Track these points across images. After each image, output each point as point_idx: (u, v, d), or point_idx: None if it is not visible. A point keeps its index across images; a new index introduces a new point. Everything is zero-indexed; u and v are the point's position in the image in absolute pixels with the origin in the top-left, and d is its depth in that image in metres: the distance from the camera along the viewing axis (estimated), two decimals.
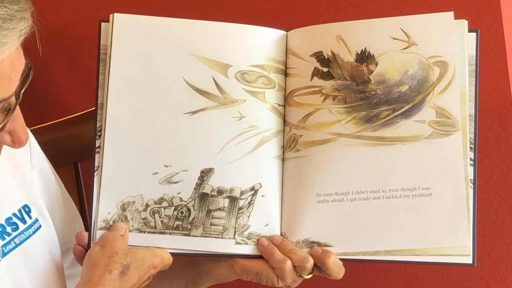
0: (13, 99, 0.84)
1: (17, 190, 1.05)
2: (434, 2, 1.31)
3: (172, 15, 1.07)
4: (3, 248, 0.98)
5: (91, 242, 1.01)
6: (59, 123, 1.45)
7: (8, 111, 0.84)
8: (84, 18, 1.60)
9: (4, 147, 0.99)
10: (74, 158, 1.45)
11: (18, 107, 0.86)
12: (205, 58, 1.04)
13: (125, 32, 1.04)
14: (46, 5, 1.59)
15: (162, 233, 1.02)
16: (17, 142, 0.87)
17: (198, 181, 1.03)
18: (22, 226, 1.02)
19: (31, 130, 1.12)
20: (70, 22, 1.62)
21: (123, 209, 1.02)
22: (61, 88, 1.66)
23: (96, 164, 1.03)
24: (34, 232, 1.04)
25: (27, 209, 1.04)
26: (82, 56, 1.63)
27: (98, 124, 1.04)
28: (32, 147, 1.11)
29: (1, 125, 0.84)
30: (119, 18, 1.04)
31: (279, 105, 1.06)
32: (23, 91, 0.86)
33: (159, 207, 1.03)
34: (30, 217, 1.04)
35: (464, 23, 1.01)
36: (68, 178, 1.40)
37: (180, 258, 1.08)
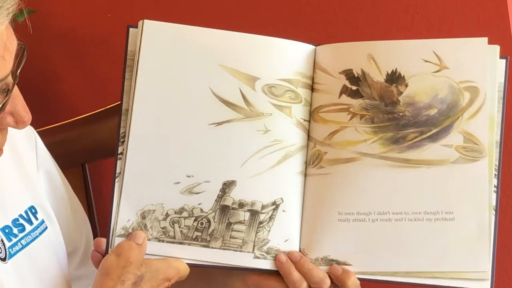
0: (10, 79, 0.85)
1: (23, 191, 1.06)
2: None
3: (196, 23, 1.08)
4: (10, 250, 0.99)
5: (109, 249, 1.01)
6: (67, 125, 1.47)
7: (7, 92, 0.85)
8: (91, 20, 1.61)
9: (10, 147, 1.01)
10: (82, 160, 1.47)
11: (16, 87, 0.87)
12: (233, 70, 1.05)
13: (154, 39, 1.04)
14: (54, 7, 1.60)
15: (181, 243, 1.02)
16: (20, 122, 0.88)
17: (220, 193, 1.03)
18: (28, 228, 1.03)
19: (38, 132, 1.14)
20: (77, 24, 1.63)
21: (143, 217, 1.02)
22: (69, 89, 1.68)
23: (117, 171, 1.03)
24: (40, 234, 1.04)
25: (33, 210, 1.05)
26: (89, 57, 1.64)
27: (121, 131, 1.04)
28: (38, 148, 1.12)
29: (1, 105, 0.85)
30: (148, 25, 1.04)
31: (305, 120, 1.06)
32: (19, 71, 0.86)
33: (179, 217, 1.03)
34: (36, 219, 1.05)
35: (497, 48, 1.02)
36: (76, 180, 1.42)
37: (195, 270, 1.08)
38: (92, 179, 1.46)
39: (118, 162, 1.03)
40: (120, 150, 1.03)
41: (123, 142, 1.03)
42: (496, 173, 1.02)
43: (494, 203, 1.02)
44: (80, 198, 1.21)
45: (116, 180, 1.03)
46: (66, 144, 1.43)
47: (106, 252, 1.01)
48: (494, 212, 1.02)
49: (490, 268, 1.02)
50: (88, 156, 1.45)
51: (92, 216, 1.42)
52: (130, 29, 1.05)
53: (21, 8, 1.47)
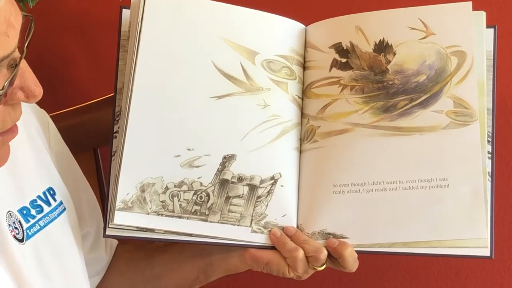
0: (17, 53, 0.87)
1: (40, 173, 1.10)
2: None
3: None
4: (27, 231, 1.03)
5: (107, 224, 1.07)
6: (79, 109, 1.51)
7: (15, 67, 0.87)
8: (104, 4, 1.67)
9: (25, 130, 1.06)
10: (94, 144, 1.52)
11: (25, 62, 0.89)
12: (235, 43, 1.11)
13: (157, 9, 1.09)
14: None
15: (179, 217, 1.07)
16: (31, 96, 0.90)
17: (220, 167, 1.09)
18: (46, 209, 1.08)
19: (51, 116, 1.20)
20: (90, 8, 1.69)
21: (142, 190, 1.07)
22: (81, 74, 1.74)
23: (113, 149, 1.09)
24: (58, 215, 1.09)
25: (51, 192, 1.10)
26: (102, 42, 1.70)
27: (116, 109, 1.10)
28: (51, 131, 1.18)
29: (9, 80, 0.87)
30: None
31: (299, 97, 1.13)
32: (26, 45, 0.89)
33: (178, 191, 1.08)
34: (55, 200, 1.10)
35: (482, 14, 1.08)
36: (88, 164, 1.46)
37: (193, 248, 1.16)
38: (104, 163, 1.51)
39: (114, 140, 1.09)
40: (115, 129, 1.10)
41: (118, 120, 1.10)
42: (490, 139, 1.08)
43: (489, 169, 1.07)
44: (92, 183, 1.27)
45: (112, 159, 1.09)
46: (79, 128, 1.48)
47: (105, 228, 1.07)
48: (489, 178, 1.07)
49: (488, 235, 1.06)
50: (101, 141, 1.47)
51: (104, 200, 1.47)
52: (123, 10, 1.12)
53: None
